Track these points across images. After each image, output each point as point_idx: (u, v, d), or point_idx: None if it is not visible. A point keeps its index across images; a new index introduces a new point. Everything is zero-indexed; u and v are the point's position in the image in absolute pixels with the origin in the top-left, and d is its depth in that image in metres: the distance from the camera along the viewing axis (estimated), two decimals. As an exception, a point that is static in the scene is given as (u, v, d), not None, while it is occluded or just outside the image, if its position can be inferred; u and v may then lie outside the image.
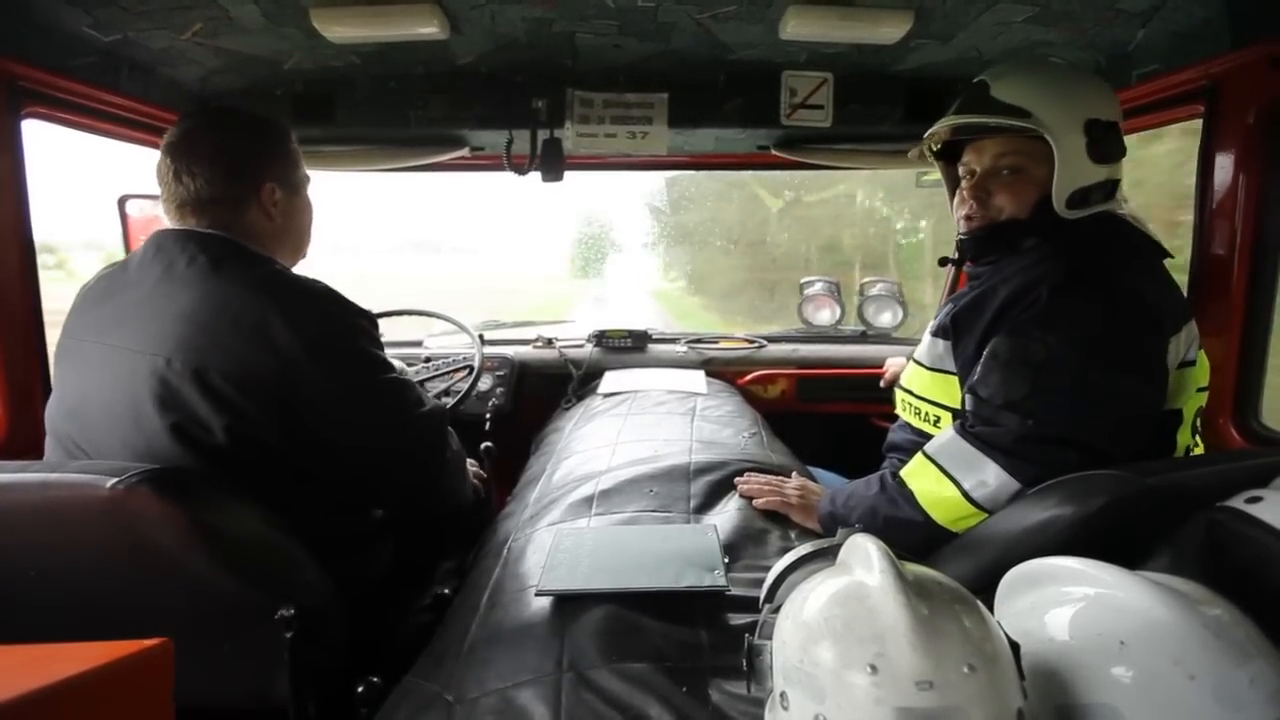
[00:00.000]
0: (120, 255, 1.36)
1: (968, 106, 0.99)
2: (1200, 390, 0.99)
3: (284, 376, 0.85)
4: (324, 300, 0.92)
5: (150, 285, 0.88)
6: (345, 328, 0.93)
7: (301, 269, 1.04)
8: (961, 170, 1.07)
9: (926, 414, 1.07)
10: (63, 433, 0.91)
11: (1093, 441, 0.85)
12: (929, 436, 1.02)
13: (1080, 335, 0.87)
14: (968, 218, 1.04)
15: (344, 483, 0.95)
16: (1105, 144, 0.94)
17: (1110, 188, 0.97)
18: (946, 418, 1.03)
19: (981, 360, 0.94)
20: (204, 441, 0.84)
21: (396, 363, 1.00)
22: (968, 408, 0.94)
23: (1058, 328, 0.88)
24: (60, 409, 0.92)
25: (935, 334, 1.06)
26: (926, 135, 1.07)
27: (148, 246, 0.92)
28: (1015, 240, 1.01)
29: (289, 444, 0.88)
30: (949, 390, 1.02)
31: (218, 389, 0.83)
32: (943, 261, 1.16)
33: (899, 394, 1.16)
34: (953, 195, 1.11)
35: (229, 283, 0.87)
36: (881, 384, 1.53)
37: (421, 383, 1.63)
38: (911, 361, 1.13)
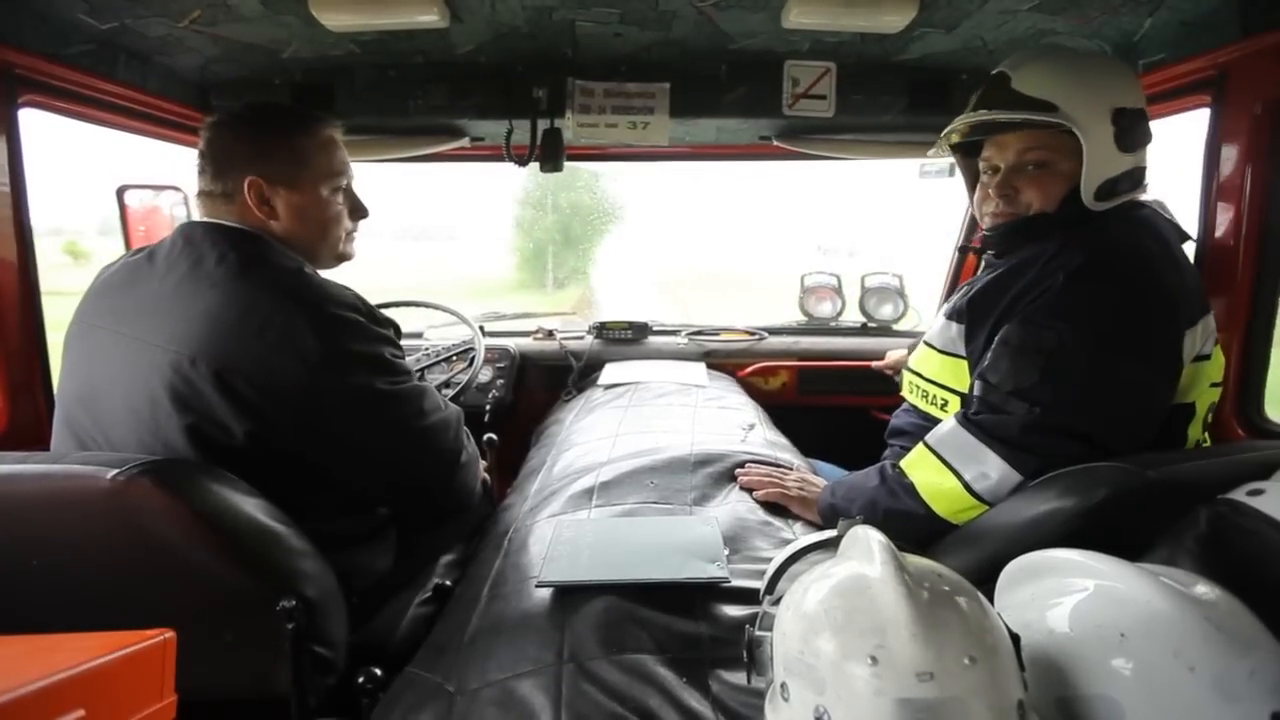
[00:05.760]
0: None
1: (989, 100, 0.95)
2: (1214, 385, 0.96)
3: (307, 382, 0.85)
4: (348, 308, 0.91)
5: (176, 280, 0.87)
6: (369, 336, 0.92)
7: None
8: (983, 165, 1.04)
9: (934, 397, 1.05)
10: (74, 419, 0.91)
11: (1098, 433, 0.84)
12: (935, 420, 1.01)
13: (1094, 324, 0.85)
14: (994, 214, 1.01)
15: (359, 484, 0.95)
16: (1133, 132, 0.91)
17: (1138, 175, 0.94)
18: (955, 402, 1.01)
19: (993, 346, 0.92)
20: (221, 442, 0.83)
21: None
22: (975, 393, 0.93)
23: (1071, 316, 0.86)
24: (70, 394, 0.92)
25: (950, 316, 1.03)
26: (946, 131, 1.02)
27: (176, 238, 0.91)
28: (1043, 234, 0.96)
29: (307, 447, 0.88)
30: (959, 374, 1.01)
31: (240, 392, 0.83)
32: (964, 251, 1.14)
33: (907, 376, 1.13)
34: (972, 188, 1.08)
35: (257, 286, 0.86)
36: (874, 365, 1.52)
37: (421, 373, 1.63)
38: (923, 343, 1.10)
